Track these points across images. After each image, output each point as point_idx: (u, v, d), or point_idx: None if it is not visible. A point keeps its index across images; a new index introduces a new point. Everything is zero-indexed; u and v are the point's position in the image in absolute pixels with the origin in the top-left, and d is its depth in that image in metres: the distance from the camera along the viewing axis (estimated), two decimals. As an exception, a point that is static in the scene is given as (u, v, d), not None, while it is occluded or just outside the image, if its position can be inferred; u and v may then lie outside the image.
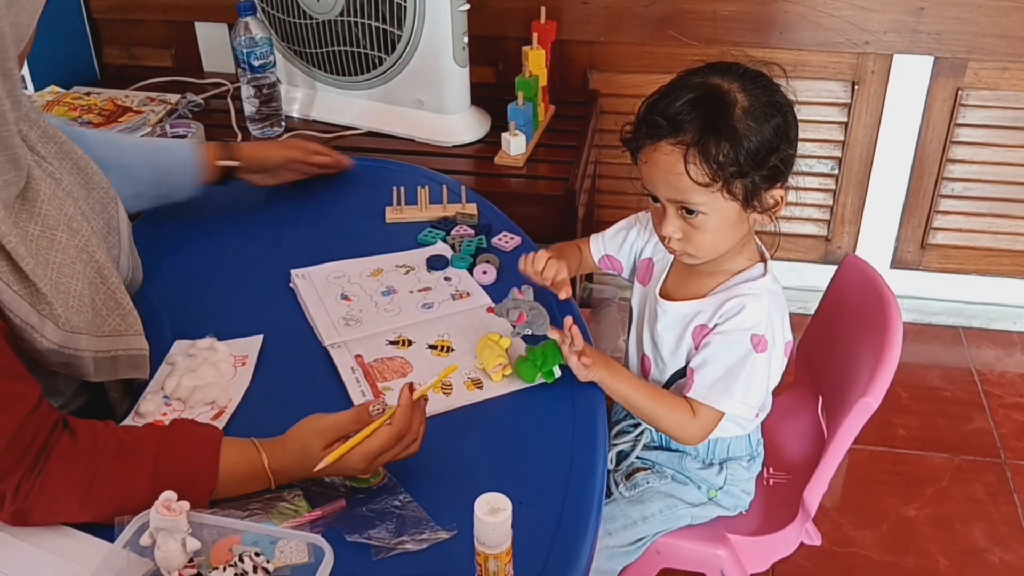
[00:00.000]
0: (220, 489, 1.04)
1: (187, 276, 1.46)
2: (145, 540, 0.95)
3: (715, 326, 1.22)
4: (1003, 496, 1.99)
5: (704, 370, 1.22)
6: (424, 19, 1.87)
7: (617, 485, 1.38)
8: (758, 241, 1.30)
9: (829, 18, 2.09)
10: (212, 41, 2.36)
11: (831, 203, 2.36)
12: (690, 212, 1.17)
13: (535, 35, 1.97)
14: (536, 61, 1.95)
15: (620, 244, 1.42)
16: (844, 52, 2.14)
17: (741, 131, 1.13)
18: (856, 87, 2.18)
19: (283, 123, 2.06)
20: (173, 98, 2.14)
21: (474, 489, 1.07)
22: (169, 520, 0.94)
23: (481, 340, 1.28)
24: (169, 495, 0.96)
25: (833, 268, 2.44)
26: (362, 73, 2.01)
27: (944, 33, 2.07)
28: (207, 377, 1.23)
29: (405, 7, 1.86)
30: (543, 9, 2.00)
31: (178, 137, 2.01)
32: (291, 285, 1.44)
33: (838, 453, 1.29)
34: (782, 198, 1.20)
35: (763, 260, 1.28)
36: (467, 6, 1.88)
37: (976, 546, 1.88)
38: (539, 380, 1.24)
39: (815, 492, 1.32)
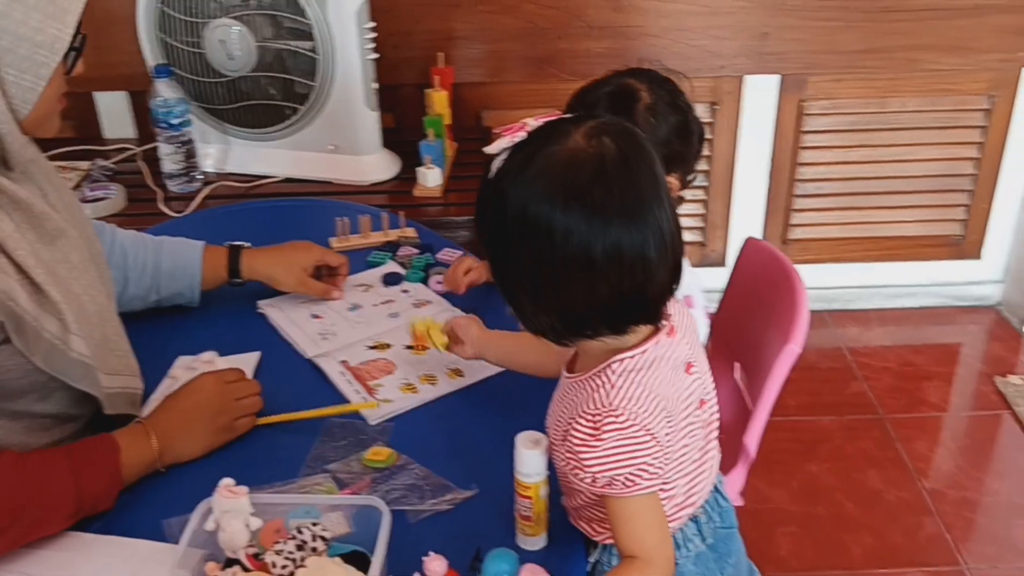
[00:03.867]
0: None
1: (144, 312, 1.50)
2: (210, 525, 1.04)
3: None
4: (888, 445, 2.28)
5: None
6: (335, 69, 2.01)
7: None
8: None
9: (689, 47, 2.38)
10: (112, 109, 2.42)
11: (703, 212, 2.64)
12: None
13: (436, 78, 2.15)
14: (440, 101, 2.13)
15: None
16: (704, 76, 2.43)
17: (640, 124, 1.33)
18: (716, 107, 2.48)
19: (200, 177, 2.14)
20: (84, 165, 2.19)
21: (479, 458, 1.22)
22: (233, 502, 1.04)
23: (418, 325, 1.40)
24: (228, 480, 1.06)
25: (710, 270, 2.71)
26: (275, 124, 2.12)
27: (786, 53, 2.39)
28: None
29: (317, 59, 2.00)
30: (440, 55, 2.19)
31: (98, 200, 2.07)
32: (259, 312, 1.54)
33: (770, 398, 1.50)
34: (674, 185, 1.38)
35: None
36: (376, 55, 2.04)
37: (874, 489, 2.15)
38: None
39: (754, 435, 1.52)
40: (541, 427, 1.06)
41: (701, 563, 1.13)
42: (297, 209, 1.89)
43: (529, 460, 1.02)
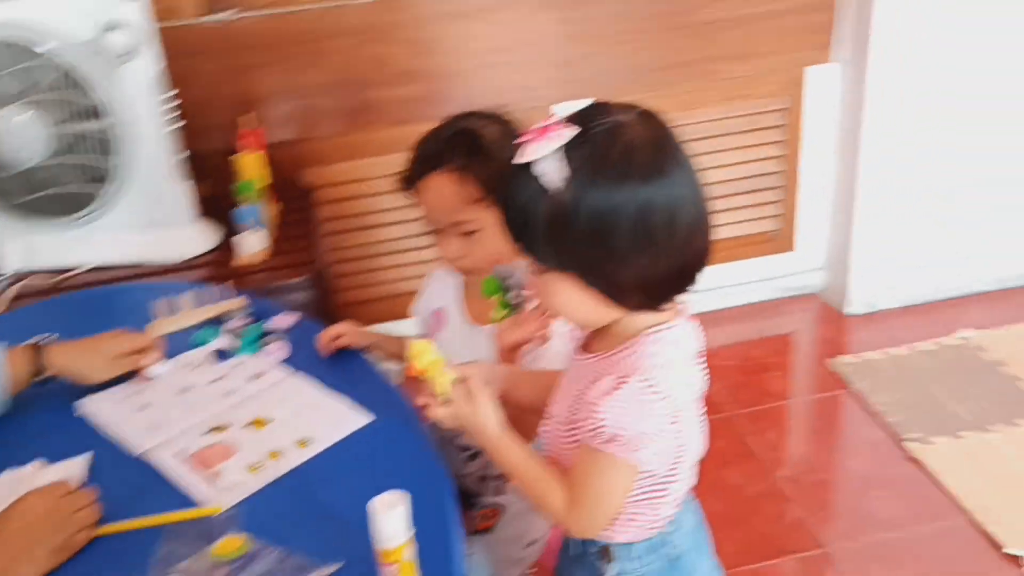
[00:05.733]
0: None
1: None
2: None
3: None
4: (740, 440, 2.34)
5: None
6: (136, 145, 1.93)
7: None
8: None
9: (498, 82, 2.41)
10: None
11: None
12: (469, 233, 1.37)
13: (245, 141, 2.09)
14: (251, 165, 2.07)
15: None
16: (517, 109, 2.45)
17: (495, 152, 1.35)
18: (532, 137, 2.52)
19: (6, 278, 2.00)
20: None
21: (339, 528, 1.17)
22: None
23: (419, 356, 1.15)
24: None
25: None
26: (81, 210, 2.01)
27: (590, 79, 2.46)
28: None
29: (114, 137, 1.91)
30: (247, 117, 2.13)
31: None
32: (77, 415, 1.43)
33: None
34: None
35: None
36: (178, 123, 1.97)
37: (735, 485, 2.21)
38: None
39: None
40: (400, 480, 1.04)
41: (693, 538, 1.21)
42: (113, 296, 1.79)
43: (389, 524, 0.99)
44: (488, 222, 1.36)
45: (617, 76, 2.49)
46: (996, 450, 2.25)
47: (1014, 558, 1.97)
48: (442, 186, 1.36)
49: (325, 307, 1.98)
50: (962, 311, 2.80)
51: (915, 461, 2.25)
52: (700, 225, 1.02)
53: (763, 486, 2.21)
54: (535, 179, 0.97)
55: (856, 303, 2.82)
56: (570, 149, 0.96)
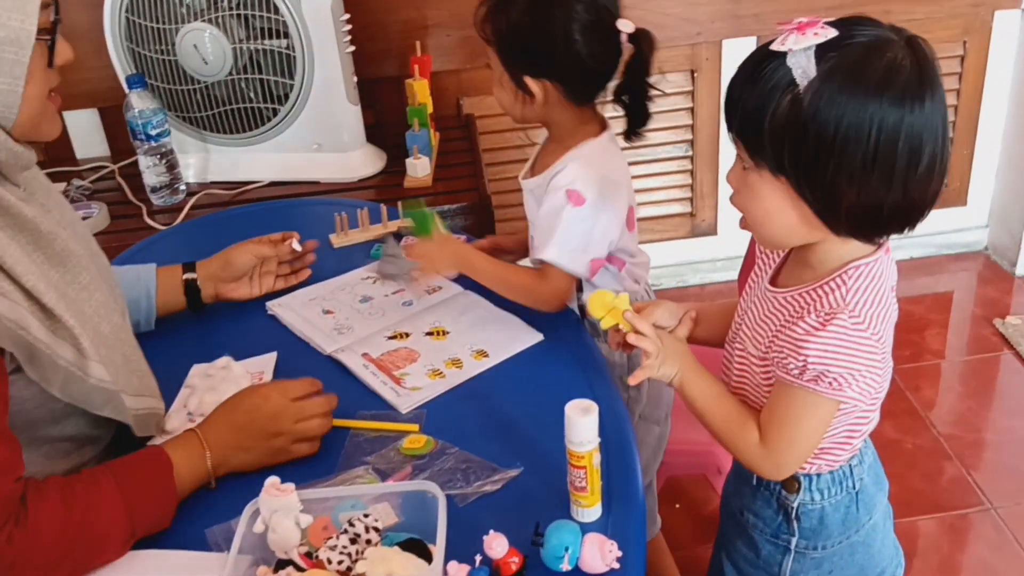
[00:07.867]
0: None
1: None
2: (259, 527, 1.00)
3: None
4: (899, 395, 2.28)
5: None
6: (314, 65, 1.97)
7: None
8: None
9: (663, 16, 2.35)
10: (82, 128, 2.35)
11: (690, 182, 2.63)
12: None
13: (416, 68, 2.11)
14: (422, 91, 2.09)
15: None
16: (680, 45, 2.41)
17: (519, 7, 1.32)
18: (695, 75, 2.46)
19: (183, 189, 2.09)
20: (60, 186, 2.13)
21: (517, 436, 1.20)
22: (282, 500, 1.00)
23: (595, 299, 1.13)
24: (274, 479, 1.02)
25: (701, 240, 2.69)
26: (256, 127, 2.07)
27: (761, 14, 2.38)
28: (228, 392, 1.23)
29: (294, 56, 1.96)
30: (418, 44, 2.16)
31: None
32: (270, 313, 1.50)
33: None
34: (542, 90, 1.34)
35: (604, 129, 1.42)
36: (353, 47, 2.01)
37: (892, 439, 2.14)
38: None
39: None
40: (573, 397, 1.03)
41: (872, 472, 1.18)
42: (292, 209, 1.85)
43: (582, 428, 1.00)
44: (494, 66, 1.36)
45: (788, 13, 2.40)
46: None
47: None
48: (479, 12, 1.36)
49: (486, 234, 2.00)
50: None
51: (1084, 429, 2.14)
52: (940, 165, 0.95)
53: (921, 442, 2.14)
54: (782, 70, 0.93)
55: (1025, 264, 2.68)
56: (824, 50, 0.92)
